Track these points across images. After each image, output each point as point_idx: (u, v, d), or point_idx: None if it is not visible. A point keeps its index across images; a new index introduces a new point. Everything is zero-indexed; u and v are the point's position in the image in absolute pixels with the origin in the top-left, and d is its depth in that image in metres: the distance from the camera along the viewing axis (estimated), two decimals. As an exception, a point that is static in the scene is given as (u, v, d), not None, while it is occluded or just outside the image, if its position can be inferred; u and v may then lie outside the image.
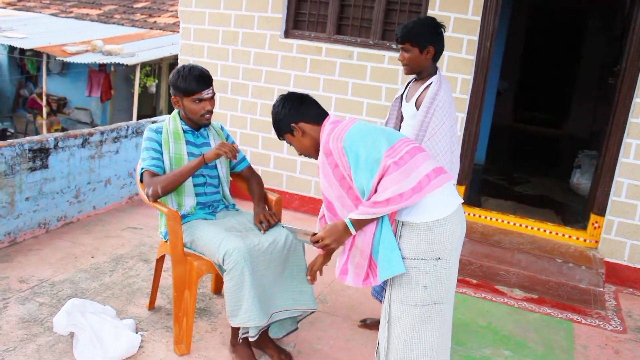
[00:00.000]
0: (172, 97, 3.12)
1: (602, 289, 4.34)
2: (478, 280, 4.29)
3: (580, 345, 3.67)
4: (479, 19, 4.73)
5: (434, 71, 3.14)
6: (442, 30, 3.12)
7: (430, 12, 4.82)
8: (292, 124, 2.60)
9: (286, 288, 2.98)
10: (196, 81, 3.04)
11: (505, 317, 3.91)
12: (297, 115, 2.61)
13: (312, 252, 4.51)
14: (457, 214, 2.37)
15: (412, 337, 2.39)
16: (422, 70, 3.15)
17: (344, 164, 2.35)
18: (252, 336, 2.89)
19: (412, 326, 2.38)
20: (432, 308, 2.36)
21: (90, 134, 4.77)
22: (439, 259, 2.33)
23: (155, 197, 3.02)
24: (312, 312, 3.12)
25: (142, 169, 3.09)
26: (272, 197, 3.40)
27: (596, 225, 4.72)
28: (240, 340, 3.00)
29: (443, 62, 4.83)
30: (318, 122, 2.59)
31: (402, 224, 2.36)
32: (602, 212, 4.67)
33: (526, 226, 4.99)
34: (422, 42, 3.06)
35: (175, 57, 5.91)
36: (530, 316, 3.97)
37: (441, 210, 2.31)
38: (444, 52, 4.77)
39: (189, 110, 3.09)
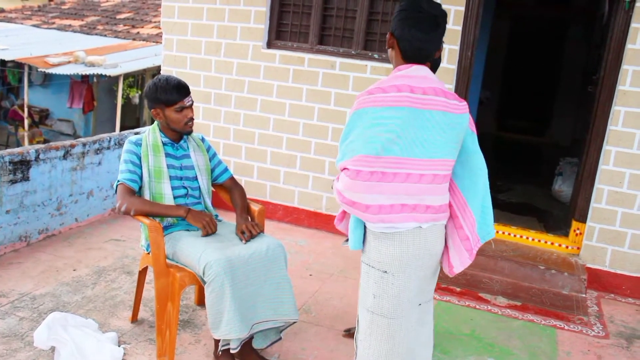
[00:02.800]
0: (152, 110, 3.12)
1: (584, 295, 4.37)
2: (462, 288, 4.31)
3: (563, 351, 3.70)
4: (459, 28, 4.78)
5: None
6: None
7: (412, 22, 4.85)
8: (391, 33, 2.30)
9: (267, 298, 2.97)
10: (176, 90, 3.07)
11: (489, 324, 3.93)
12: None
13: (295, 262, 4.52)
14: (415, 233, 2.21)
15: (364, 339, 2.34)
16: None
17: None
18: (234, 348, 2.89)
19: (364, 329, 2.33)
20: (380, 319, 2.27)
21: (72, 146, 4.74)
22: (386, 272, 2.22)
23: (125, 214, 3.03)
24: (294, 322, 3.11)
25: (117, 181, 3.09)
26: (255, 207, 3.40)
27: (578, 231, 4.76)
28: (220, 353, 2.99)
29: (425, 72, 4.85)
30: (406, 60, 2.26)
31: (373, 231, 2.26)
32: (583, 219, 4.71)
33: (509, 234, 5.02)
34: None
35: (159, 68, 5.90)
36: (513, 323, 3.99)
37: (410, 224, 2.19)
38: (426, 62, 4.82)
39: (172, 120, 3.10)
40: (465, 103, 2.22)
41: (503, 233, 5.03)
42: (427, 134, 2.12)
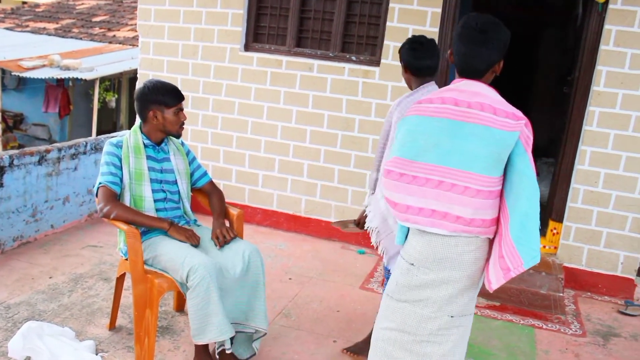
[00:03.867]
0: (150, 111, 3.09)
1: (561, 294, 4.41)
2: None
3: (542, 350, 3.73)
4: (436, 30, 4.81)
5: (419, 85, 3.15)
6: (416, 46, 3.12)
7: (389, 25, 4.88)
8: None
9: (240, 302, 2.98)
10: (175, 93, 3.13)
11: (469, 325, 3.95)
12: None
13: (275, 266, 4.50)
14: (442, 239, 2.27)
15: (378, 322, 2.44)
16: (409, 84, 3.21)
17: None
18: (229, 348, 2.92)
19: (381, 315, 2.43)
20: (396, 304, 2.37)
21: (47, 151, 4.67)
22: (412, 264, 2.32)
23: (106, 218, 3.01)
24: (264, 335, 3.11)
25: (99, 183, 3.05)
26: (234, 211, 3.38)
27: (555, 231, 4.81)
28: (218, 356, 3.00)
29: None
30: (459, 74, 2.33)
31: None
32: (560, 219, 4.76)
33: (487, 234, 5.04)
34: (401, 59, 3.16)
35: (136, 72, 5.85)
36: (493, 323, 4.01)
37: (426, 226, 2.27)
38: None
39: (169, 121, 3.11)
40: (520, 122, 2.18)
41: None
42: (465, 146, 2.18)
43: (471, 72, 2.28)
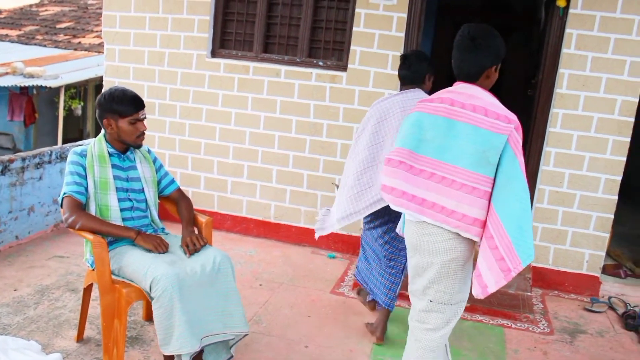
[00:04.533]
0: (104, 119, 3.06)
1: (529, 293, 4.48)
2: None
3: (511, 349, 3.78)
4: (402, 35, 4.85)
5: (401, 90, 3.67)
6: (401, 58, 3.68)
7: (356, 30, 4.91)
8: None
9: (216, 311, 2.94)
10: (133, 102, 3.07)
11: (439, 326, 3.98)
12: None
13: (245, 272, 4.48)
14: (421, 225, 2.51)
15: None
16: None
17: None
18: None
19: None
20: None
21: (11, 161, 4.59)
22: (406, 248, 2.68)
23: (71, 228, 2.97)
24: (245, 335, 3.08)
25: (64, 193, 3.01)
26: (202, 219, 3.36)
27: (522, 232, 4.87)
28: None
29: (369, 78, 4.91)
30: (457, 77, 2.57)
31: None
32: (526, 219, 4.82)
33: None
34: None
35: (102, 79, 5.78)
36: (463, 324, 4.05)
37: (417, 213, 2.50)
38: (371, 69, 4.90)
39: (124, 132, 3.07)
40: (510, 126, 2.34)
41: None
42: (456, 142, 2.41)
43: (465, 76, 2.51)
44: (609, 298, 4.65)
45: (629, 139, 4.57)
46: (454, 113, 2.42)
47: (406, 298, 4.30)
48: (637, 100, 4.51)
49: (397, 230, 2.82)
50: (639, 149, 5.24)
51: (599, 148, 4.59)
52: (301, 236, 5.28)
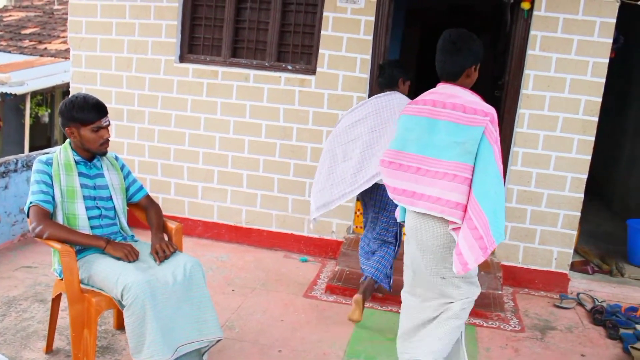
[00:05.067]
0: (67, 128, 3.02)
1: (500, 292, 4.53)
2: (384, 294, 4.37)
3: (483, 348, 3.82)
4: (370, 38, 4.88)
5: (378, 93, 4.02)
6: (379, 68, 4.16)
7: (324, 33, 4.92)
8: None
9: (189, 319, 2.92)
10: (94, 110, 3.01)
11: (412, 327, 4.00)
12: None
13: (217, 278, 4.45)
14: (418, 215, 2.78)
15: None
16: None
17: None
18: None
19: None
20: (406, 269, 2.97)
21: (-25, 170, 4.50)
22: (407, 236, 2.90)
23: (39, 237, 2.93)
24: (219, 340, 3.07)
25: (30, 202, 2.96)
26: (172, 225, 3.34)
27: (491, 231, 4.93)
28: None
29: (338, 82, 4.93)
30: (440, 78, 2.85)
31: None
32: (496, 219, 4.88)
33: (427, 237, 5.14)
34: None
35: (69, 85, 5.70)
36: (435, 324, 4.08)
37: (407, 205, 2.79)
38: (339, 72, 4.92)
39: (87, 140, 3.02)
40: (485, 118, 2.62)
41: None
42: (438, 138, 2.68)
43: (447, 76, 2.79)
44: (578, 294, 4.73)
45: (593, 138, 4.66)
46: (435, 113, 2.71)
47: (379, 300, 4.34)
48: (601, 100, 4.61)
49: (396, 216, 3.08)
50: (605, 147, 5.35)
51: (565, 147, 4.67)
52: (273, 240, 5.27)
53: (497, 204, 2.59)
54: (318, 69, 5.00)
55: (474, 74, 2.80)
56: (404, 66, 4.06)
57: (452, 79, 2.78)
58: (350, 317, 3.73)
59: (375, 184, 3.81)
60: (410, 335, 2.94)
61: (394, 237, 4.01)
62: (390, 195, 2.84)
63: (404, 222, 2.99)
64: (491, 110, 2.66)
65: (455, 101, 2.69)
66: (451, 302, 2.81)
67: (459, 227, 2.64)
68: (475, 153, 2.61)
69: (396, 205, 3.55)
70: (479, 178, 2.60)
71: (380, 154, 3.54)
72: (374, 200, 3.98)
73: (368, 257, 4.06)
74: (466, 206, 2.61)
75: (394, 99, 3.88)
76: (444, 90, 2.76)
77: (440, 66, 2.79)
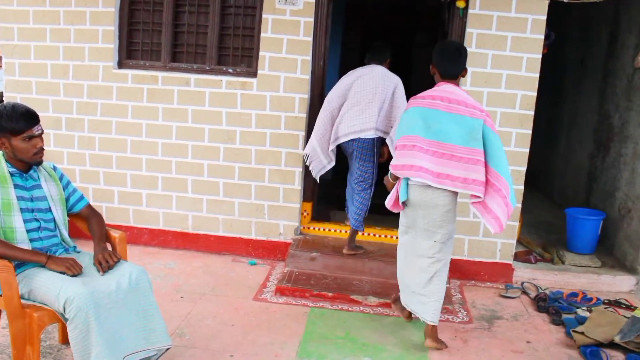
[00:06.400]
0: None
1: (448, 285, 4.62)
2: (333, 293, 4.39)
3: (432, 341, 3.88)
4: (310, 39, 4.90)
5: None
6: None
7: (264, 35, 4.92)
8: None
9: (136, 328, 2.87)
10: (24, 118, 2.91)
11: (363, 324, 4.04)
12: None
13: (166, 285, 4.37)
14: (426, 188, 3.54)
15: (398, 251, 3.87)
16: None
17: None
18: None
19: (399, 245, 3.87)
20: (403, 235, 3.77)
21: None
22: (407, 206, 3.67)
23: None
24: (168, 349, 3.03)
25: None
26: (115, 234, 3.27)
27: (437, 226, 5.02)
28: None
29: (280, 83, 4.94)
30: (442, 78, 3.62)
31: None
32: (440, 214, 4.98)
33: (374, 234, 5.21)
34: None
35: (2, 95, 5.52)
36: (385, 320, 4.13)
37: (431, 181, 3.49)
38: (281, 74, 4.92)
39: (19, 150, 2.92)
40: (483, 114, 3.46)
41: (369, 234, 5.21)
42: (447, 127, 3.45)
43: (451, 77, 3.59)
44: (522, 283, 4.87)
45: (530, 131, 4.80)
46: (443, 106, 3.47)
47: (329, 299, 4.36)
48: (536, 94, 4.76)
49: (400, 199, 3.65)
50: (542, 140, 5.50)
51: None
52: (221, 245, 5.23)
53: (510, 176, 3.44)
54: (259, 72, 4.99)
55: (465, 74, 3.67)
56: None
57: (454, 78, 3.59)
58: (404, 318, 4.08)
59: (353, 139, 4.67)
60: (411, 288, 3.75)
61: (369, 183, 4.80)
62: (405, 173, 3.52)
63: (405, 201, 3.65)
64: (483, 107, 3.55)
65: (456, 98, 3.47)
66: (434, 260, 3.65)
67: (479, 201, 3.49)
68: (482, 140, 3.42)
69: (372, 158, 4.72)
70: (494, 156, 3.42)
71: (356, 113, 4.62)
72: (353, 151, 4.76)
73: (352, 202, 4.88)
74: (483, 182, 3.42)
75: (382, 70, 4.74)
76: (446, 89, 3.53)
77: (446, 69, 3.58)
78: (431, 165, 3.45)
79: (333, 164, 4.88)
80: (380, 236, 5.20)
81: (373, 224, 5.33)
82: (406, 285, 3.78)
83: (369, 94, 4.61)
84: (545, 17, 4.65)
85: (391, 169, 3.63)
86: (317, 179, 5.02)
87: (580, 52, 6.96)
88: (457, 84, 3.59)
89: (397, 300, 4.02)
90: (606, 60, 6.10)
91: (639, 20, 5.31)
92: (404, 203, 3.67)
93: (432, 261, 3.63)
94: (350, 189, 4.93)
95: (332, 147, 4.75)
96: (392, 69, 4.86)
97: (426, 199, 3.55)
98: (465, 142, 3.42)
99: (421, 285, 3.68)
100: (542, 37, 4.69)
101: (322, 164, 4.87)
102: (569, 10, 5.01)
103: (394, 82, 4.68)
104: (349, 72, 4.79)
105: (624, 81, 5.54)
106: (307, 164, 4.89)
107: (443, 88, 3.54)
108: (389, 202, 3.76)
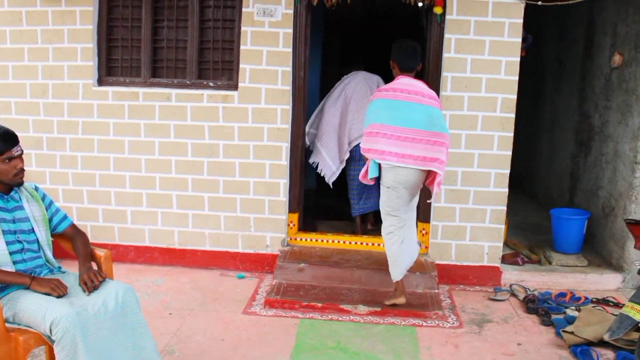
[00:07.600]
0: None
1: (437, 291, 4.63)
2: (323, 303, 4.38)
3: (424, 347, 3.88)
4: (290, 50, 4.91)
5: None
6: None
7: (243, 48, 4.92)
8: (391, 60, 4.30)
9: (125, 347, 2.83)
10: (3, 139, 2.87)
11: (353, 334, 4.03)
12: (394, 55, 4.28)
13: (154, 302, 4.34)
14: (404, 169, 4.06)
15: (386, 234, 4.31)
16: None
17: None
18: None
19: (385, 227, 4.31)
20: (389, 217, 4.24)
21: None
22: (388, 187, 4.15)
23: None
24: (157, 367, 3.00)
25: None
26: (100, 253, 3.23)
27: (424, 232, 5.04)
28: None
29: (261, 95, 4.94)
30: (402, 71, 4.22)
31: (382, 166, 4.15)
32: (427, 219, 5.00)
33: (361, 243, 5.21)
34: None
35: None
36: (375, 329, 4.12)
37: (395, 162, 4.05)
38: (262, 85, 4.92)
39: None
40: (438, 101, 4.15)
41: (355, 243, 5.21)
42: (409, 115, 4.02)
43: (409, 70, 4.19)
44: (510, 286, 4.88)
45: (512, 134, 4.84)
46: (405, 97, 4.05)
47: (318, 310, 4.34)
48: (515, 97, 4.79)
49: (369, 176, 4.18)
50: (525, 142, 5.53)
51: (486, 145, 4.83)
52: (208, 260, 5.20)
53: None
54: (240, 84, 4.98)
55: (420, 69, 4.25)
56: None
57: (412, 71, 4.19)
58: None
59: None
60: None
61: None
62: (377, 156, 4.07)
63: (373, 177, 4.15)
64: (438, 97, 4.23)
65: (416, 89, 4.06)
66: (412, 222, 4.38)
67: (437, 181, 4.06)
68: (444, 124, 4.08)
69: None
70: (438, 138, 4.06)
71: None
72: None
73: (369, 197, 5.51)
74: (444, 161, 4.02)
75: (363, 74, 5.66)
76: (406, 81, 4.11)
77: (405, 63, 4.16)
78: (395, 149, 4.01)
79: (342, 167, 5.48)
80: (367, 244, 5.20)
81: (360, 232, 5.33)
82: (405, 267, 4.31)
83: (365, 96, 5.32)
84: (521, 20, 4.69)
85: (361, 151, 4.24)
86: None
87: (559, 54, 7.04)
88: (414, 77, 4.18)
89: (392, 296, 4.38)
90: (584, 61, 6.16)
91: (613, 21, 5.39)
92: (376, 180, 4.25)
93: (412, 224, 4.38)
94: (357, 185, 5.40)
95: (349, 148, 5.42)
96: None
97: (414, 177, 4.11)
98: (425, 126, 4.00)
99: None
100: (520, 40, 4.73)
101: (332, 170, 5.44)
102: (545, 12, 5.05)
103: (376, 80, 5.55)
104: (335, 85, 5.63)
105: (602, 81, 5.60)
106: (318, 171, 5.52)
107: (402, 81, 4.13)
108: (360, 175, 4.30)
